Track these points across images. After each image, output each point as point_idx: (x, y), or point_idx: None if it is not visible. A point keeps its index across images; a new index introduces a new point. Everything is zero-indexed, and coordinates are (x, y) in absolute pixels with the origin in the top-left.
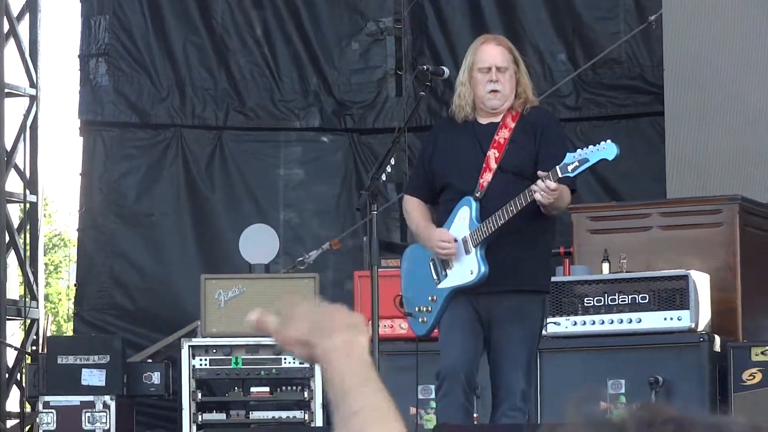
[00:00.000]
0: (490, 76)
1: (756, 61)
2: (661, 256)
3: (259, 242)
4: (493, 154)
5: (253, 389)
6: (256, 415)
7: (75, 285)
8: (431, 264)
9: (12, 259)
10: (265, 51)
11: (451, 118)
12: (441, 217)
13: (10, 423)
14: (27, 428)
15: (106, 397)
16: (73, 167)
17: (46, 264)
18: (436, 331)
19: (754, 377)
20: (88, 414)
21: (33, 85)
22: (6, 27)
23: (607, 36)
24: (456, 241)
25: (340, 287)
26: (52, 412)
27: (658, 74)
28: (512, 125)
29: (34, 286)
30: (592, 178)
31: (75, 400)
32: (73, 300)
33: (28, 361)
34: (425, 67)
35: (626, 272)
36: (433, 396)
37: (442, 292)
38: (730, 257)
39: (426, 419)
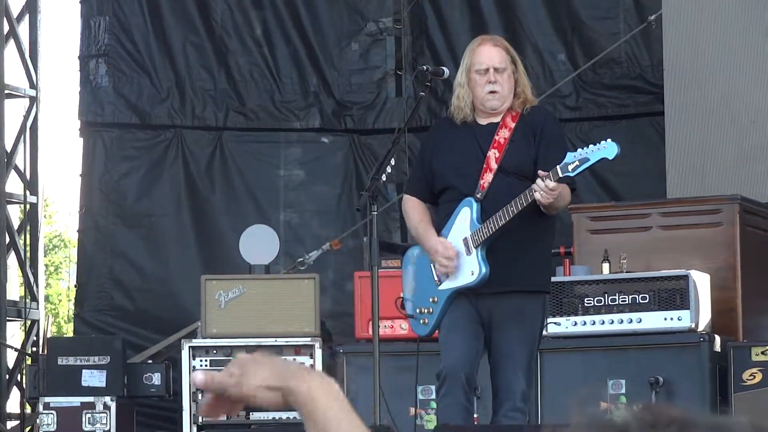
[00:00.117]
0: (488, 78)
1: (756, 60)
2: (661, 256)
3: (259, 243)
4: (493, 154)
5: None
6: (256, 415)
7: (75, 286)
8: (432, 265)
9: (12, 260)
10: (264, 51)
11: (450, 119)
12: (441, 218)
13: (11, 424)
14: (27, 429)
15: (107, 398)
16: (73, 168)
17: (46, 265)
18: (436, 331)
19: (755, 377)
20: (88, 415)
21: (33, 86)
22: (6, 28)
23: (607, 36)
24: (458, 255)
25: (340, 288)
26: (52, 413)
27: (658, 74)
28: (512, 125)
29: (35, 287)
30: (593, 179)
31: (75, 401)
32: (73, 301)
33: (29, 362)
34: (425, 67)
35: (626, 272)
36: (433, 396)
37: (443, 294)
38: (730, 257)
39: (426, 419)
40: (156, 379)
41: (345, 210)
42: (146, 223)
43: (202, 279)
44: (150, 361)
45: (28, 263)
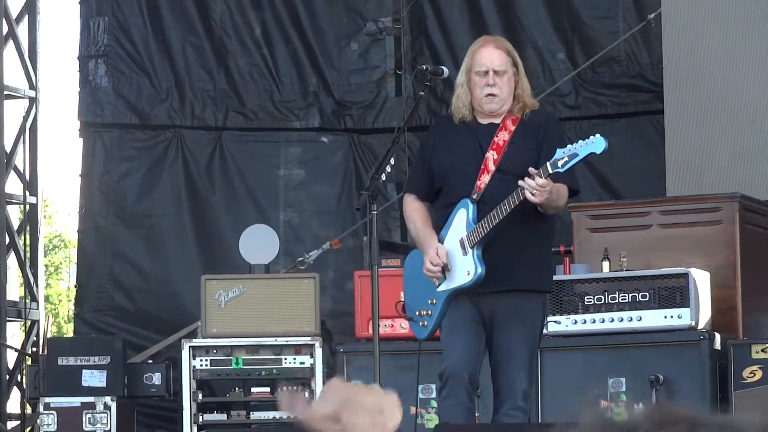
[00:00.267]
0: (488, 80)
1: (755, 58)
2: (661, 254)
3: (259, 242)
4: (491, 155)
5: (253, 389)
6: (256, 415)
7: (75, 286)
8: None
9: (12, 260)
10: (264, 52)
11: (450, 117)
12: (438, 220)
13: (11, 424)
14: (28, 429)
15: (107, 398)
16: (72, 168)
17: (46, 265)
18: (437, 331)
19: (755, 375)
20: (88, 415)
21: (32, 86)
22: (5, 29)
23: (607, 35)
24: (448, 267)
25: (340, 287)
26: (52, 414)
27: (658, 73)
28: (512, 128)
29: (35, 288)
30: (592, 177)
31: (76, 401)
32: (73, 301)
33: (29, 362)
34: (424, 66)
35: (626, 270)
36: (433, 395)
37: (442, 295)
38: (730, 255)
39: (427, 419)
40: (156, 379)
41: (345, 209)
42: (146, 224)
43: (202, 279)
44: (150, 361)
45: (28, 263)
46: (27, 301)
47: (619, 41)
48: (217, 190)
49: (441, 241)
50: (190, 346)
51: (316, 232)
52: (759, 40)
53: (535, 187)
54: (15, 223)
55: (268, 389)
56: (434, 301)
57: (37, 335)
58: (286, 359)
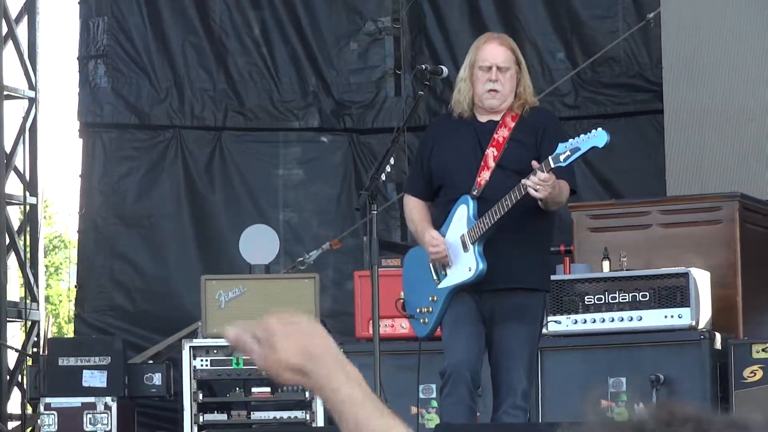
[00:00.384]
0: (490, 75)
1: (755, 58)
2: (661, 254)
3: (259, 242)
4: (491, 152)
5: (254, 389)
6: (257, 415)
7: (75, 286)
8: (431, 265)
9: (12, 261)
10: (263, 51)
11: (449, 115)
12: (439, 216)
13: (12, 425)
14: (28, 430)
15: (108, 399)
16: (72, 169)
17: (46, 266)
18: (438, 330)
19: (755, 374)
20: (89, 415)
21: (32, 87)
22: (4, 29)
23: (606, 34)
24: (446, 241)
25: (340, 287)
26: (53, 414)
27: (657, 72)
28: (512, 125)
29: (35, 288)
30: (592, 177)
31: (76, 401)
32: (73, 301)
33: (29, 362)
34: (424, 66)
35: (626, 270)
36: (434, 395)
37: (443, 292)
38: (730, 254)
39: (427, 418)
40: (156, 379)
41: (344, 209)
42: (146, 224)
43: (202, 279)
44: (150, 362)
45: (28, 264)
46: (27, 301)
47: (618, 41)
48: (216, 190)
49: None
50: (190, 347)
51: (316, 232)
52: (758, 39)
53: (537, 181)
54: (15, 224)
55: (268, 389)
56: (435, 298)
57: (38, 336)
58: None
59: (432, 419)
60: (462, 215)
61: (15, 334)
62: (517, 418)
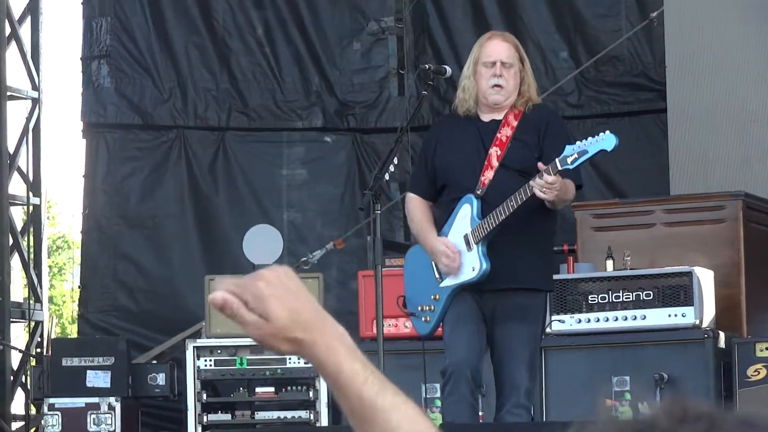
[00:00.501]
0: (494, 71)
1: (758, 56)
2: (665, 253)
3: (262, 243)
4: (495, 151)
5: (258, 389)
6: (261, 415)
7: (79, 287)
8: (433, 263)
9: (16, 261)
10: (266, 51)
11: (453, 114)
12: (442, 215)
13: (16, 425)
14: (32, 430)
15: (111, 399)
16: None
17: (50, 266)
18: (440, 329)
19: (759, 373)
20: (93, 416)
21: (35, 87)
22: (8, 30)
23: (609, 33)
24: (459, 252)
25: (344, 287)
26: (57, 414)
27: (661, 71)
28: (514, 123)
29: (38, 289)
30: (596, 176)
31: (80, 401)
32: (77, 302)
33: (33, 363)
34: (427, 66)
35: (630, 269)
36: (438, 395)
37: (445, 291)
38: (734, 253)
39: (432, 418)
40: (160, 379)
41: (348, 209)
42: (149, 224)
43: (205, 279)
44: (154, 362)
45: (31, 265)
46: (31, 302)
47: (621, 40)
48: (220, 190)
49: (444, 236)
50: (194, 347)
51: (320, 232)
52: (762, 38)
53: (544, 184)
54: (18, 225)
55: (272, 389)
56: (437, 297)
57: (41, 336)
58: (290, 359)
59: (436, 419)
60: (465, 214)
61: (19, 334)
62: (520, 417)
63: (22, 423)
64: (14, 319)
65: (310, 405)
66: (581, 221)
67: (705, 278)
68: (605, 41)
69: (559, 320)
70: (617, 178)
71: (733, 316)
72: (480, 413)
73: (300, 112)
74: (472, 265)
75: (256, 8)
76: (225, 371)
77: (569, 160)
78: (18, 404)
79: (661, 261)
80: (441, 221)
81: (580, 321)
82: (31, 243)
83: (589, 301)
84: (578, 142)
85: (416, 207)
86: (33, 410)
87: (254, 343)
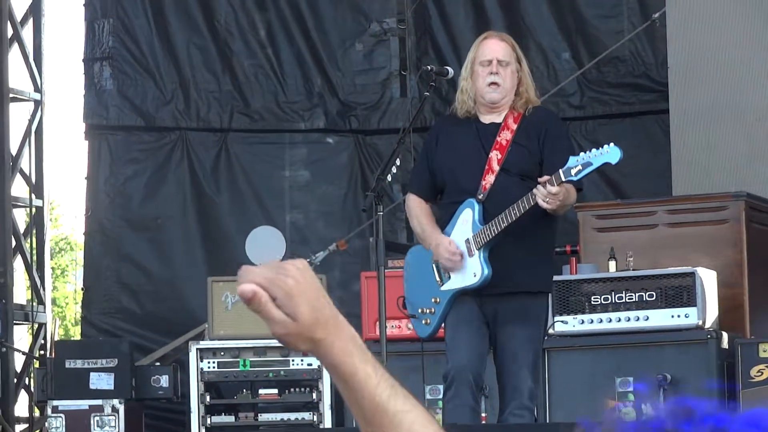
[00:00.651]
0: (491, 69)
1: (760, 57)
2: (667, 254)
3: (265, 244)
4: (495, 155)
5: (261, 391)
6: (264, 417)
7: (82, 289)
8: (434, 266)
9: (19, 263)
10: (269, 53)
11: (452, 116)
12: (443, 218)
13: (19, 428)
14: None
15: (115, 401)
16: (78, 171)
17: (52, 268)
18: (441, 331)
19: (762, 373)
20: (96, 418)
21: (37, 89)
22: (10, 32)
23: (611, 34)
24: (462, 254)
25: (346, 288)
26: (60, 417)
27: (663, 72)
28: (514, 127)
29: (41, 291)
30: (598, 177)
31: (83, 404)
32: (80, 304)
33: (36, 365)
34: (429, 67)
35: (633, 270)
36: (441, 396)
37: (446, 294)
38: (736, 254)
39: (435, 419)
40: (164, 381)
41: (350, 210)
42: (152, 226)
43: (208, 281)
44: (158, 364)
45: (34, 267)
46: (34, 304)
47: (623, 41)
48: (222, 191)
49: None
50: (197, 348)
51: (322, 234)
52: (764, 38)
53: (547, 194)
54: (21, 227)
55: (275, 391)
56: (438, 300)
57: (45, 338)
58: (293, 361)
59: (440, 420)
60: (467, 219)
61: (22, 336)
62: (524, 418)
63: (26, 425)
64: (17, 321)
65: (314, 407)
66: (584, 222)
67: (708, 279)
68: (607, 42)
69: (562, 321)
70: (619, 179)
71: (736, 317)
72: (483, 414)
73: (302, 114)
74: (474, 270)
75: (259, 10)
76: (228, 373)
77: (573, 171)
78: (21, 406)
79: (663, 262)
80: (442, 223)
81: (583, 322)
82: (34, 245)
83: (592, 302)
84: (582, 154)
85: (417, 207)
86: (36, 412)
87: (257, 345)
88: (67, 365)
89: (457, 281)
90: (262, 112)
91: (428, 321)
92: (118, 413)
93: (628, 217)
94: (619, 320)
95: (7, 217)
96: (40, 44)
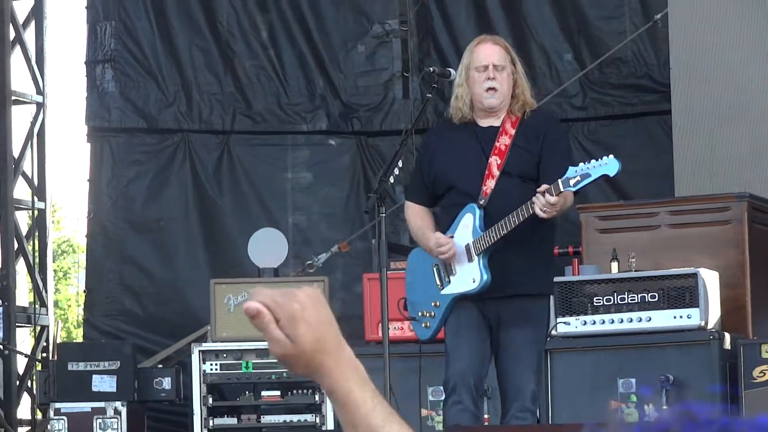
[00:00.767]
0: (487, 74)
1: (762, 58)
2: (669, 255)
3: (267, 246)
4: (495, 161)
5: (264, 393)
6: (267, 419)
7: (84, 291)
8: (435, 270)
9: (21, 266)
10: (271, 54)
11: (448, 121)
12: (444, 223)
13: (22, 430)
14: None
15: (117, 403)
16: (80, 173)
17: (55, 270)
18: (441, 333)
19: (765, 374)
20: (99, 420)
21: (40, 92)
22: (12, 34)
23: (613, 35)
24: (454, 243)
25: (349, 290)
26: (63, 419)
27: (665, 73)
28: (512, 131)
29: (44, 293)
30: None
31: (86, 406)
32: (82, 306)
33: (39, 367)
34: (431, 68)
35: (635, 271)
36: (443, 398)
37: (446, 299)
38: (739, 255)
39: (437, 421)
40: (166, 383)
41: (353, 212)
42: (154, 228)
43: (211, 283)
44: (160, 366)
45: (36, 269)
46: (36, 306)
47: (625, 42)
48: (225, 193)
49: None
50: (199, 351)
51: (325, 235)
52: (766, 38)
53: (545, 204)
54: (24, 229)
55: (278, 393)
56: (438, 304)
57: (47, 340)
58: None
59: (441, 422)
60: (468, 224)
61: (24, 339)
62: (526, 420)
63: (29, 428)
64: (20, 324)
65: (316, 408)
66: (586, 223)
67: (710, 280)
68: (609, 43)
69: (564, 322)
70: (622, 180)
71: (738, 318)
72: (486, 416)
73: (304, 115)
74: (473, 276)
75: (260, 11)
76: (231, 375)
77: (572, 182)
78: (24, 409)
79: (666, 263)
80: (443, 227)
81: (585, 323)
82: (36, 247)
83: (595, 303)
84: (581, 165)
85: (416, 214)
86: (39, 415)
87: (260, 347)
88: (69, 367)
89: (457, 286)
90: (264, 114)
91: (428, 324)
92: (120, 415)
93: (631, 218)
94: (622, 321)
95: (10, 219)
96: (42, 47)
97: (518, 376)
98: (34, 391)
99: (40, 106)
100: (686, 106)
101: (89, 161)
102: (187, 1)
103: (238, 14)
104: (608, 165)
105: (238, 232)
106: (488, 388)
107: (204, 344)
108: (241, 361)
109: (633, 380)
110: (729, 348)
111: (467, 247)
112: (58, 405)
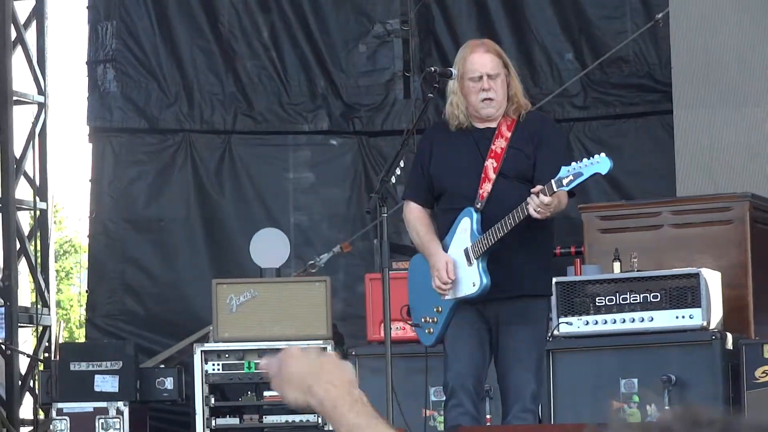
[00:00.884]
0: (482, 85)
1: (764, 57)
2: (672, 255)
3: (269, 246)
4: (491, 164)
5: (266, 393)
6: (269, 418)
7: (86, 291)
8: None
9: (23, 266)
10: (272, 54)
11: (446, 123)
12: (442, 227)
13: (24, 430)
14: None
15: (120, 403)
16: (82, 174)
17: (57, 270)
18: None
19: (767, 374)
20: (101, 420)
21: (41, 92)
22: (13, 35)
23: (614, 35)
24: (450, 255)
25: (351, 290)
26: (65, 419)
27: (666, 72)
28: (508, 134)
29: (46, 293)
30: (602, 177)
31: (88, 406)
32: (84, 306)
33: (41, 368)
34: (433, 68)
35: (637, 271)
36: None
37: (447, 304)
38: (741, 254)
39: (439, 421)
40: (168, 383)
41: (355, 212)
42: (156, 228)
43: (213, 283)
44: (162, 366)
45: (39, 269)
46: (38, 306)
47: (627, 41)
48: (226, 193)
49: (445, 249)
50: (201, 351)
51: (326, 235)
52: (767, 38)
53: (539, 204)
54: (26, 229)
55: None
56: (440, 309)
57: (49, 341)
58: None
59: (443, 422)
60: (466, 228)
61: (26, 339)
62: (527, 420)
63: (31, 428)
64: (22, 324)
65: None
66: (588, 223)
67: (712, 279)
68: (611, 43)
69: (566, 322)
70: (624, 180)
71: (740, 318)
72: (488, 416)
73: (306, 115)
74: (473, 280)
75: (262, 11)
76: (233, 375)
77: (564, 182)
78: (26, 409)
79: (668, 262)
80: (441, 232)
81: (587, 323)
82: (38, 247)
83: (597, 303)
84: (574, 164)
85: (416, 217)
86: (41, 415)
87: (262, 347)
88: (71, 368)
89: (457, 291)
90: (265, 114)
91: (431, 330)
92: (122, 415)
93: (633, 218)
94: (624, 321)
95: (12, 219)
96: (43, 47)
97: (518, 377)
98: (37, 391)
99: (42, 106)
100: (688, 106)
101: (91, 161)
102: (189, 2)
103: (239, 14)
104: (600, 163)
105: (239, 233)
106: (490, 388)
107: (206, 344)
108: (243, 361)
109: (635, 380)
110: (731, 348)
111: (466, 251)
112: (60, 405)
